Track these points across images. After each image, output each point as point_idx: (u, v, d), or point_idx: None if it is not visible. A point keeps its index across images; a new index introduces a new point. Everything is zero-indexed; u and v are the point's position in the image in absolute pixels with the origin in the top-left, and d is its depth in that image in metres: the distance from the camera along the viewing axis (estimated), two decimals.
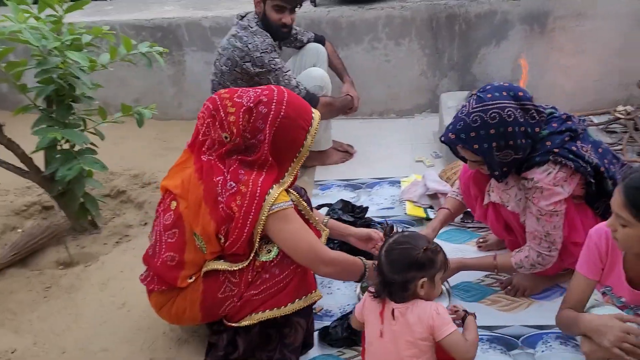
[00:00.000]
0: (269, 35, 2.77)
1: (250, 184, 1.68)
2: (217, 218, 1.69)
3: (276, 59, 2.75)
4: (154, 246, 1.82)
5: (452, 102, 3.15)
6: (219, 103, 1.75)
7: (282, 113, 1.71)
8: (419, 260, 1.59)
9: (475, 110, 1.85)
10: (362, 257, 1.95)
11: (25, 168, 2.57)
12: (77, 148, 2.54)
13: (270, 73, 2.74)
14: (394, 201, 2.84)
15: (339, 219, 2.36)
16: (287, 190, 1.94)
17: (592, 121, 3.32)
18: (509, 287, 2.22)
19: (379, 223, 2.54)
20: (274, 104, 1.72)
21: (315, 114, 1.80)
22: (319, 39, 3.18)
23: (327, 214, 2.45)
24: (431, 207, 2.67)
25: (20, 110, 2.47)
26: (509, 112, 1.83)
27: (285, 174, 1.77)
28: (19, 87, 2.36)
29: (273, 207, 1.69)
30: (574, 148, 1.89)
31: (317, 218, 2.13)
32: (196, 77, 3.74)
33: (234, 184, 1.68)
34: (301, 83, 2.81)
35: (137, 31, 3.63)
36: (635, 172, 1.50)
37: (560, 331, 1.96)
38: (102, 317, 2.21)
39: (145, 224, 2.98)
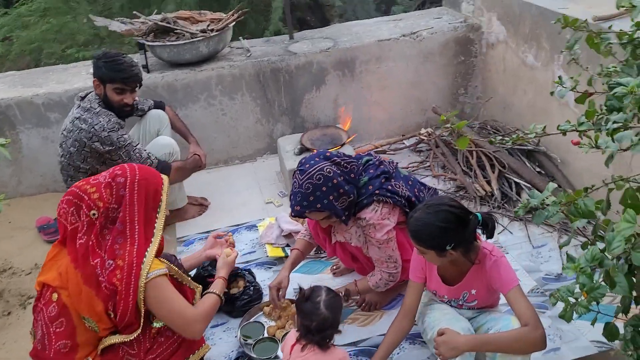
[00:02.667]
0: (113, 114, 2.92)
1: (127, 255, 1.88)
2: (103, 297, 1.86)
3: (124, 136, 2.91)
4: (41, 340, 1.93)
5: (289, 146, 3.56)
6: (78, 191, 1.94)
7: (137, 177, 1.97)
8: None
9: (304, 180, 2.26)
10: (210, 291, 2.21)
11: None
12: None
13: (121, 149, 2.90)
14: (254, 245, 3.16)
15: (210, 275, 2.62)
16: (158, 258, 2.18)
17: (404, 144, 3.97)
18: (363, 304, 2.67)
19: (246, 269, 2.85)
20: (128, 172, 1.97)
21: (164, 176, 2.08)
22: (159, 105, 3.38)
23: (198, 272, 2.70)
24: (288, 245, 3.05)
25: None
26: (328, 170, 2.27)
27: (154, 231, 1.99)
28: None
29: (149, 274, 1.89)
30: (389, 187, 2.38)
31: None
32: (34, 152, 3.72)
33: (111, 262, 1.87)
34: (152, 154, 3.00)
35: None
36: (412, 216, 2.03)
37: (410, 333, 2.46)
38: None
39: (9, 313, 2.96)
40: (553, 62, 3.19)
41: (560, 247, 1.90)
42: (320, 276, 2.89)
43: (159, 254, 2.17)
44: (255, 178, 3.81)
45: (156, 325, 1.99)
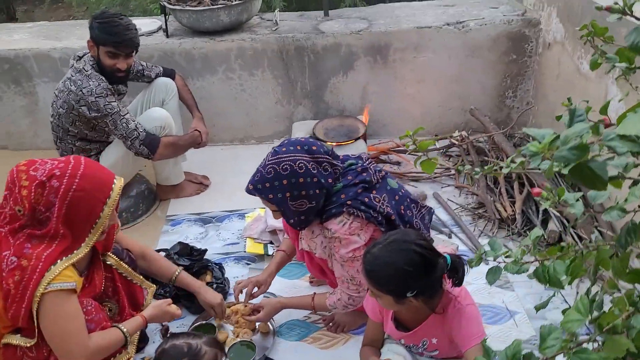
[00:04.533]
0: (104, 79, 2.73)
1: (34, 258, 1.66)
2: (2, 294, 1.67)
3: (112, 103, 2.74)
4: None
5: (301, 134, 3.28)
6: (15, 176, 1.75)
7: (74, 186, 1.73)
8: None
9: (270, 162, 1.97)
10: (118, 325, 1.89)
11: None
12: None
13: (107, 117, 2.73)
14: (240, 236, 2.92)
15: (175, 265, 2.42)
16: (104, 255, 1.98)
17: (435, 145, 3.56)
18: (330, 324, 2.38)
19: (217, 263, 2.64)
20: (66, 177, 1.73)
21: (117, 183, 1.83)
22: (169, 73, 3.18)
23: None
24: (271, 243, 2.79)
25: None
26: (301, 164, 1.96)
27: (82, 244, 1.77)
28: None
29: (50, 285, 1.66)
30: (366, 199, 2.03)
31: (165, 269, 2.27)
32: (49, 107, 3.65)
33: (15, 259, 1.66)
34: (140, 125, 2.80)
35: None
36: (369, 251, 1.70)
37: None
38: None
39: None
40: (608, 74, 2.67)
41: (537, 309, 1.51)
42: (297, 282, 2.62)
43: (107, 250, 1.99)
44: None
45: None
